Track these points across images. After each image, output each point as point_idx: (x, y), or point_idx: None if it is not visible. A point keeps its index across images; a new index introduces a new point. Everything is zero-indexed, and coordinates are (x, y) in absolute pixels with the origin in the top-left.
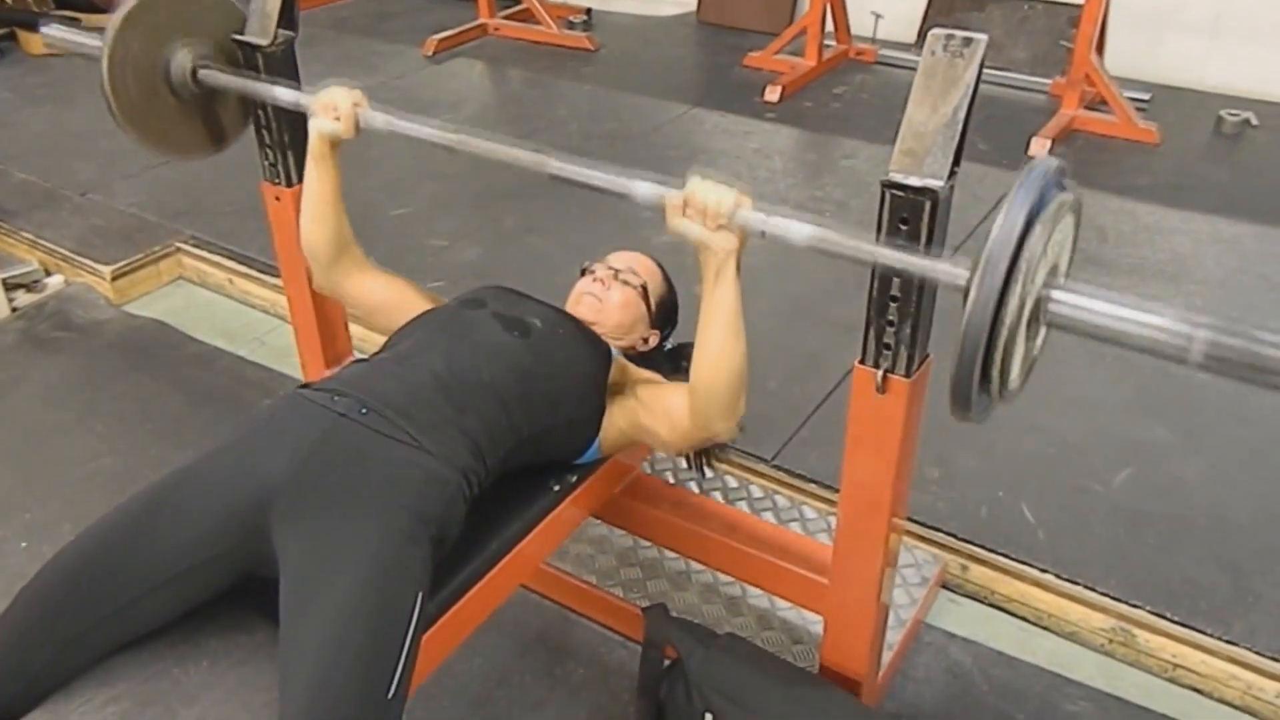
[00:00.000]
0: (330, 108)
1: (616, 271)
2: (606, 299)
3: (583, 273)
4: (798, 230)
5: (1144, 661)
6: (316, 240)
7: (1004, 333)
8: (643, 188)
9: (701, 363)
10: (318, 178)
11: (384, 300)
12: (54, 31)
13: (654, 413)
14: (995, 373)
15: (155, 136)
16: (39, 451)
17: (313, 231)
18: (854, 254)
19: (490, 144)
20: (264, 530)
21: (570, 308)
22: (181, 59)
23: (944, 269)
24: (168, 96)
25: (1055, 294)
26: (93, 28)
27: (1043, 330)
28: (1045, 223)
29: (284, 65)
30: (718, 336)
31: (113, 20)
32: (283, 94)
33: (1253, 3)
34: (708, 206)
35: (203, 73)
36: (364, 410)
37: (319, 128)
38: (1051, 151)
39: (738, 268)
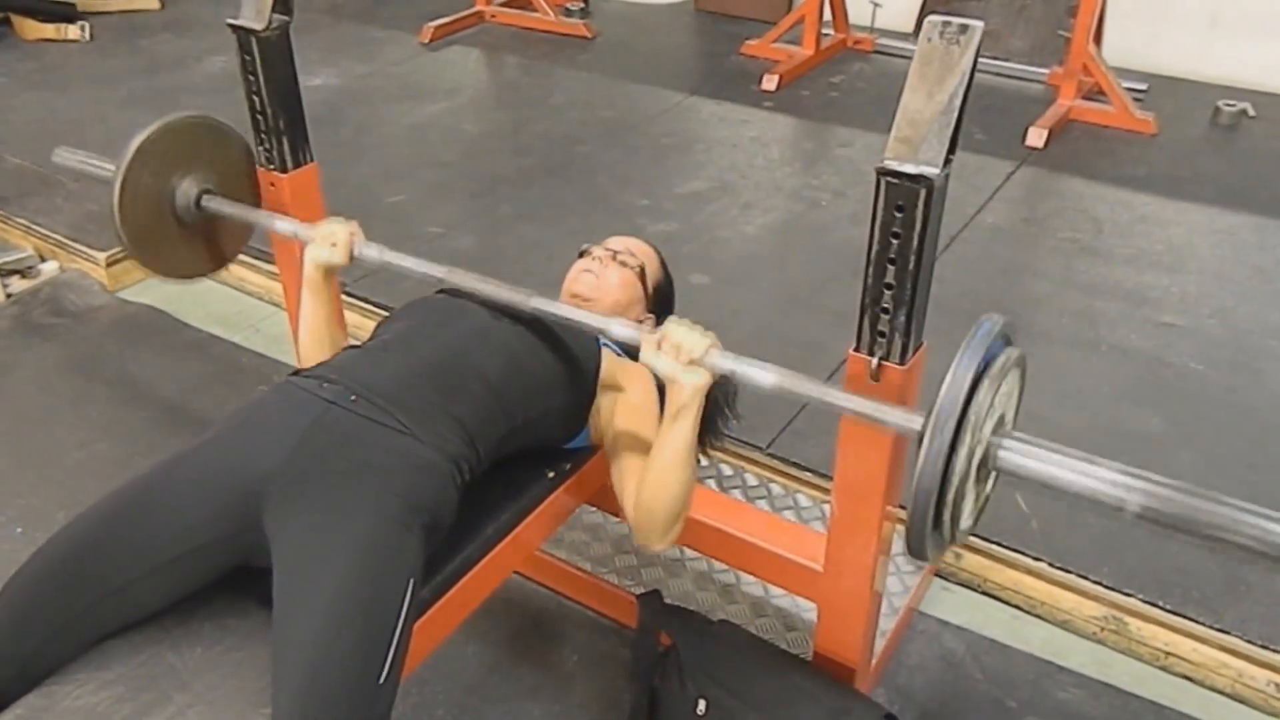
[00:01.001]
0: (328, 238)
1: (615, 253)
2: (604, 277)
3: (581, 254)
4: (763, 376)
5: (1136, 650)
6: (315, 359)
7: (954, 484)
8: (619, 327)
9: (645, 484)
10: (313, 305)
11: None
12: (65, 157)
13: (616, 477)
14: (947, 518)
15: (158, 260)
16: (33, 437)
17: (311, 352)
18: (819, 399)
19: (478, 280)
20: (256, 518)
21: (567, 287)
22: (187, 188)
23: (900, 417)
24: (172, 222)
25: (1004, 443)
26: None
27: (993, 476)
28: (992, 379)
29: (279, 51)
30: (665, 465)
31: (126, 150)
32: (282, 225)
33: None
34: (681, 345)
35: (206, 200)
36: (353, 397)
37: (315, 257)
38: (1048, 142)
39: (699, 411)
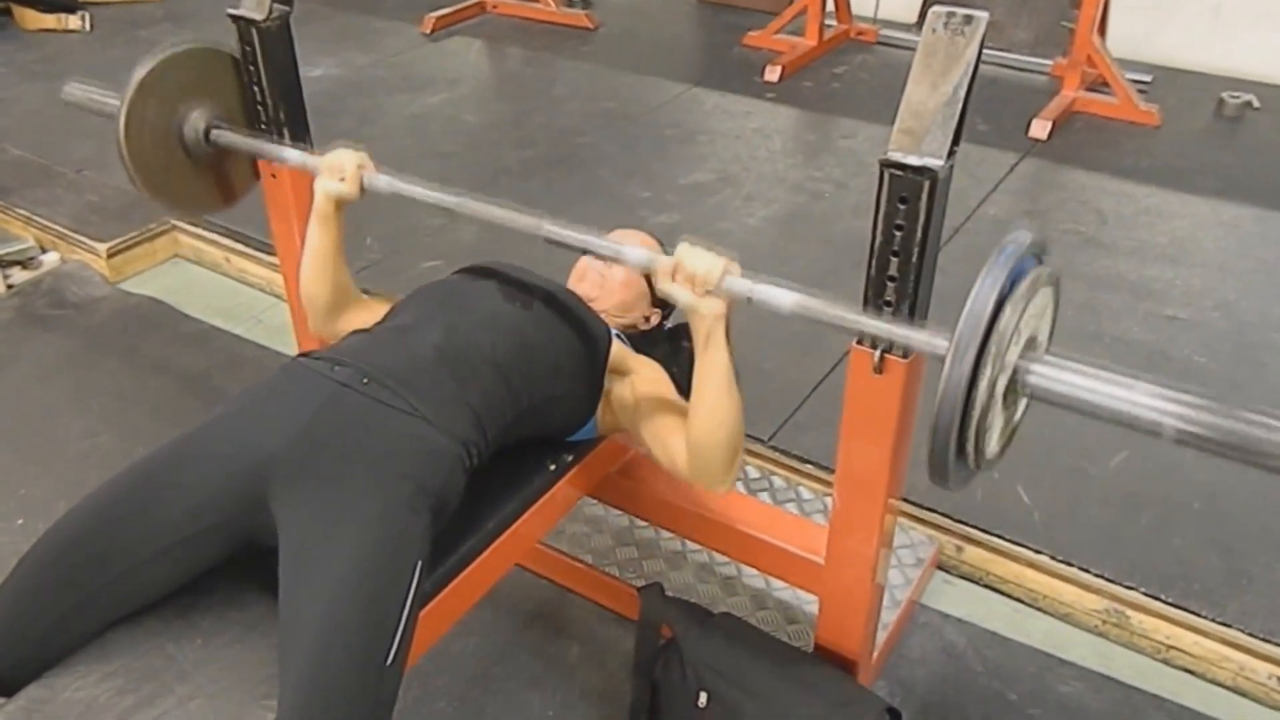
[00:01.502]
0: (337, 169)
1: None
2: (609, 276)
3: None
4: (782, 298)
5: (1137, 643)
6: (319, 296)
7: (978, 407)
8: (634, 253)
9: (696, 424)
10: (320, 237)
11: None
12: (74, 90)
13: (656, 442)
14: (971, 445)
15: (168, 194)
16: (34, 428)
17: (314, 287)
18: (837, 322)
19: (489, 207)
20: (263, 499)
21: (571, 285)
22: (195, 120)
23: (923, 339)
24: (181, 156)
25: (1033, 367)
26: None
27: (1023, 400)
28: (1019, 298)
29: (279, 41)
30: (711, 399)
31: (129, 82)
32: (291, 155)
33: None
34: (696, 272)
35: (215, 133)
36: (365, 380)
37: (325, 188)
38: (1052, 134)
39: (727, 331)
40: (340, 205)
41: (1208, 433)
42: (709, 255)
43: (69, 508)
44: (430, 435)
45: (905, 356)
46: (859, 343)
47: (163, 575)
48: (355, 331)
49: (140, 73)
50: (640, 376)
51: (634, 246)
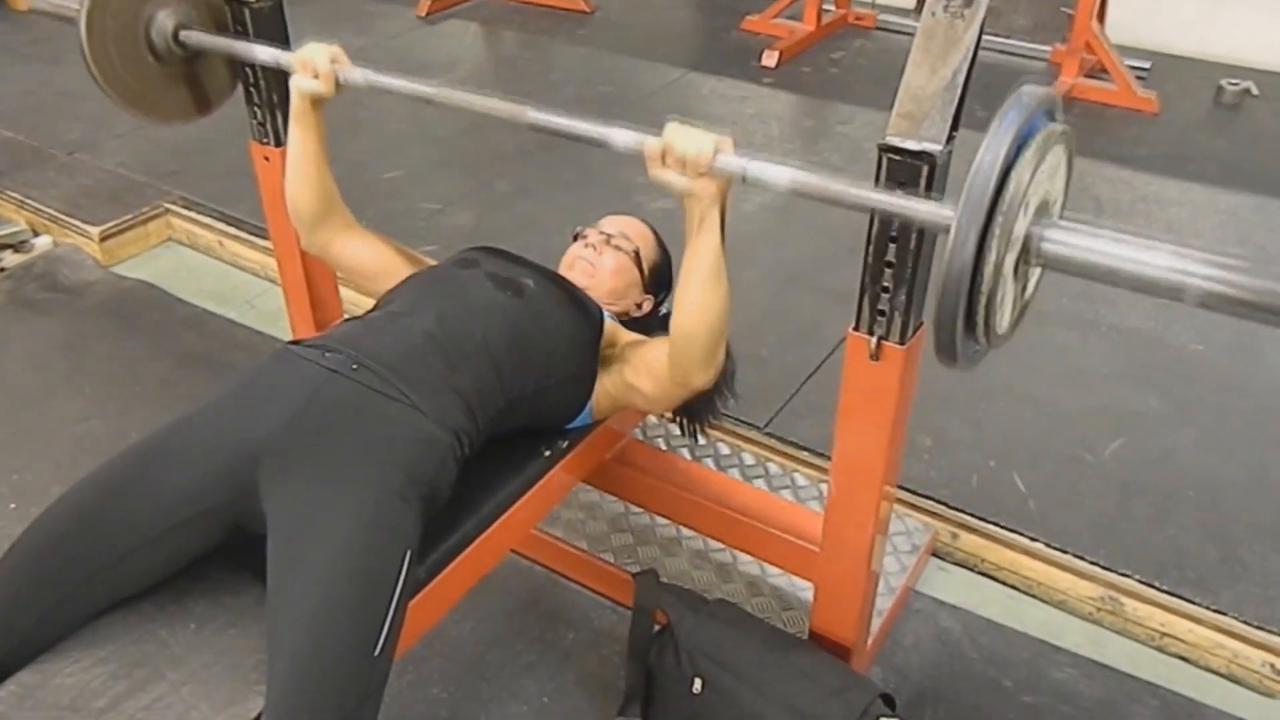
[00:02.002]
0: (309, 64)
1: (609, 236)
2: (599, 264)
3: (575, 237)
4: (778, 174)
5: (1132, 630)
6: (301, 201)
7: (988, 271)
8: (621, 135)
9: (681, 312)
10: (300, 137)
11: (373, 263)
12: None
13: (637, 368)
14: (981, 317)
15: (137, 100)
16: (27, 413)
17: (297, 192)
18: (835, 197)
19: (469, 96)
20: (253, 486)
21: (563, 273)
22: (163, 20)
23: (928, 209)
24: (149, 59)
25: (1047, 231)
26: None
27: (1036, 271)
28: (1032, 153)
29: (271, 24)
30: (698, 285)
31: None
32: (263, 53)
33: None
34: (687, 154)
35: (184, 34)
36: (355, 366)
37: (298, 85)
38: None
39: (723, 215)
40: (317, 103)
41: (1233, 291)
42: (699, 133)
43: (61, 492)
44: (421, 423)
45: (902, 341)
46: (856, 328)
47: (153, 562)
48: (347, 319)
49: None
50: (629, 338)
51: (620, 130)
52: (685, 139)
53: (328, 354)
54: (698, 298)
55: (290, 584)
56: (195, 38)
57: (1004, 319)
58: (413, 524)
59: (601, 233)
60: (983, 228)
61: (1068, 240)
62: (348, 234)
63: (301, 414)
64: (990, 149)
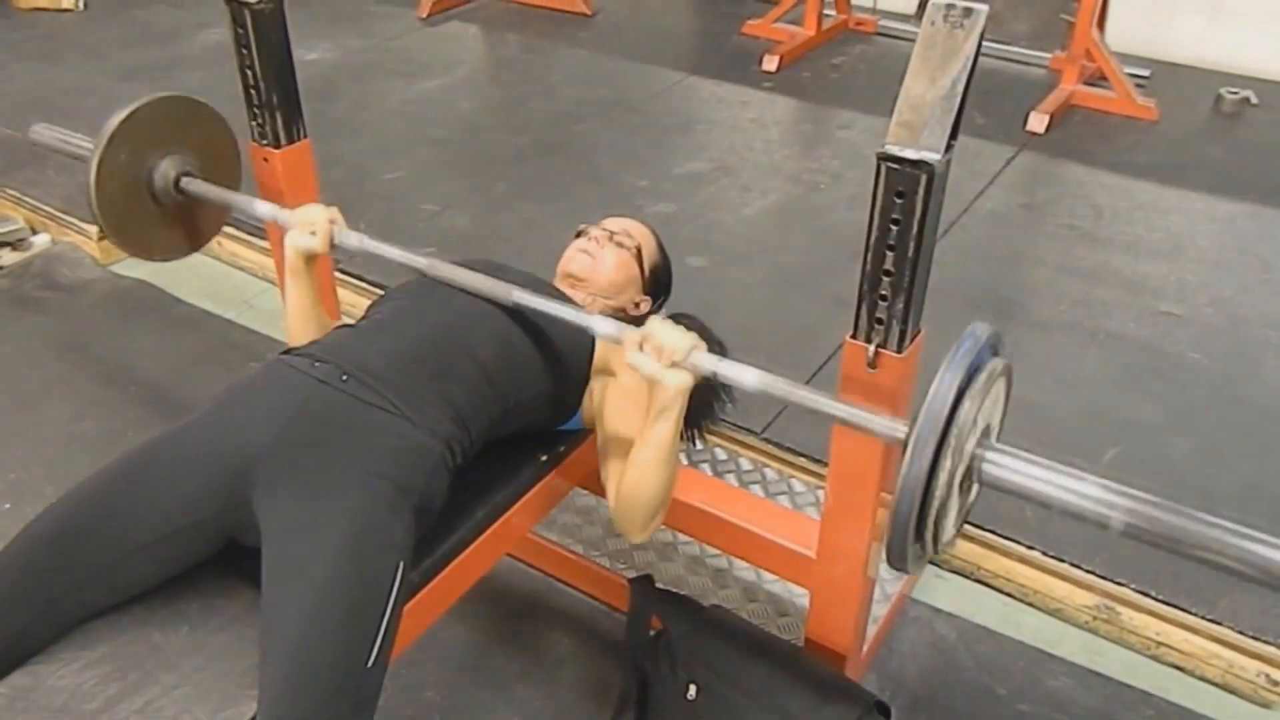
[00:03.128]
0: (307, 224)
1: (611, 233)
2: (600, 257)
3: (578, 234)
4: (747, 376)
5: (1127, 639)
6: (305, 339)
7: (936, 501)
8: (602, 324)
9: (626, 479)
10: (295, 290)
11: None
12: (43, 133)
13: (603, 461)
14: (929, 532)
15: (134, 241)
16: (22, 412)
17: (299, 334)
18: (802, 403)
19: (459, 271)
20: (245, 498)
21: (562, 267)
22: (165, 169)
23: (884, 424)
24: (149, 203)
25: (988, 455)
26: None
27: (976, 486)
28: (976, 393)
29: (272, 24)
30: (645, 463)
31: (104, 129)
32: (263, 209)
33: None
34: (664, 345)
35: (185, 182)
36: (344, 377)
37: (294, 243)
38: (1049, 127)
39: (681, 411)
40: (311, 260)
41: (1153, 528)
42: (678, 331)
43: (55, 493)
44: (410, 434)
45: (899, 349)
46: (853, 336)
47: (144, 572)
48: (340, 326)
49: (114, 121)
50: (615, 386)
51: (601, 318)
52: (664, 332)
53: (317, 364)
54: (643, 474)
55: (283, 596)
56: (196, 187)
57: (948, 530)
58: (404, 535)
59: (604, 229)
60: (938, 444)
61: (1007, 463)
62: None
63: (292, 425)
64: (946, 376)
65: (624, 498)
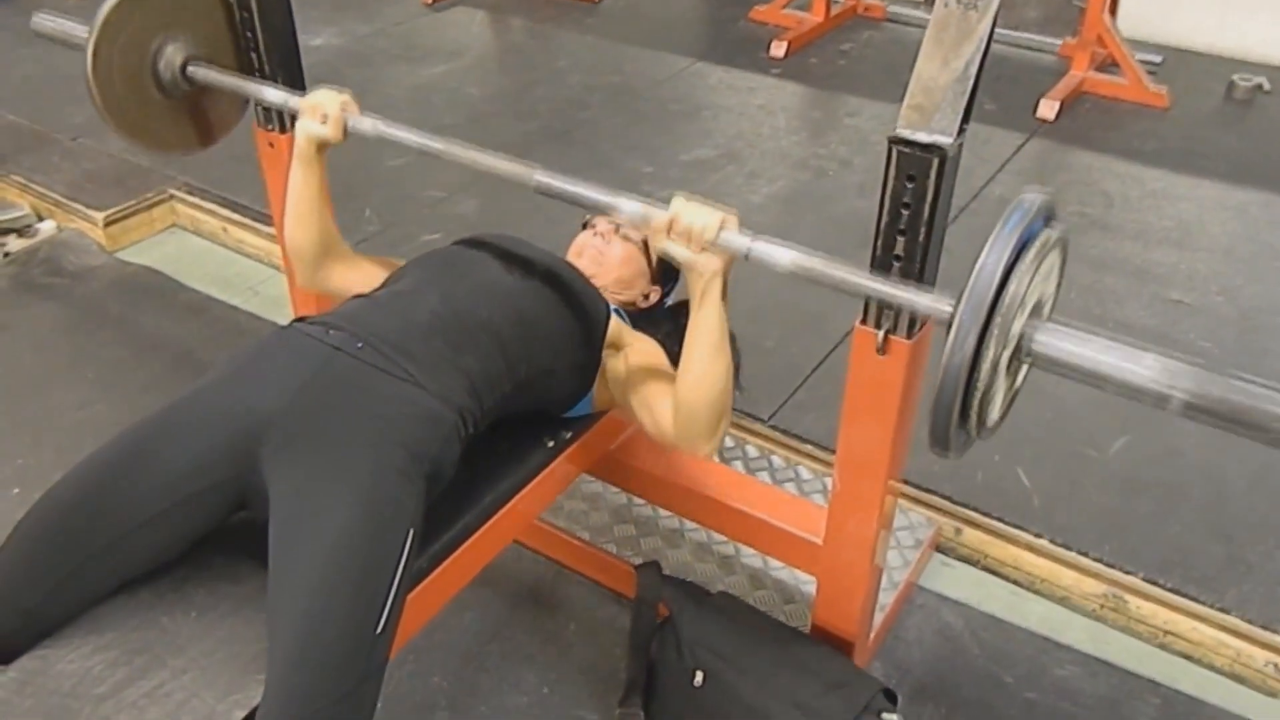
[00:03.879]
0: (318, 110)
1: (617, 226)
2: (607, 252)
3: (584, 226)
4: (781, 255)
5: (1135, 628)
6: (301, 241)
7: (983, 374)
8: (629, 205)
9: (684, 384)
10: (303, 180)
11: (376, 277)
12: (43, 22)
13: (643, 407)
14: (974, 412)
15: (140, 132)
16: (30, 398)
17: (297, 233)
18: (838, 283)
19: (477, 154)
20: (255, 462)
21: (570, 260)
22: (170, 54)
23: (928, 302)
24: (155, 93)
25: (1038, 333)
26: None
27: (1025, 365)
28: (1029, 263)
29: (278, 10)
30: (701, 359)
31: (99, 12)
32: (272, 94)
33: None
34: (692, 228)
35: (192, 68)
36: (360, 344)
37: (306, 130)
38: (1059, 114)
39: (724, 288)
40: (322, 148)
41: (1216, 405)
42: (706, 209)
43: (62, 476)
44: (424, 401)
45: (909, 335)
46: (863, 322)
47: (156, 540)
48: (355, 296)
49: (109, 5)
50: (634, 349)
51: (627, 199)
52: (691, 213)
53: (332, 331)
54: (700, 371)
55: (291, 560)
56: (203, 73)
57: (994, 413)
58: (415, 502)
59: (610, 221)
60: (983, 327)
61: (1059, 341)
62: (345, 267)
63: (305, 390)
64: (993, 252)
65: (685, 407)
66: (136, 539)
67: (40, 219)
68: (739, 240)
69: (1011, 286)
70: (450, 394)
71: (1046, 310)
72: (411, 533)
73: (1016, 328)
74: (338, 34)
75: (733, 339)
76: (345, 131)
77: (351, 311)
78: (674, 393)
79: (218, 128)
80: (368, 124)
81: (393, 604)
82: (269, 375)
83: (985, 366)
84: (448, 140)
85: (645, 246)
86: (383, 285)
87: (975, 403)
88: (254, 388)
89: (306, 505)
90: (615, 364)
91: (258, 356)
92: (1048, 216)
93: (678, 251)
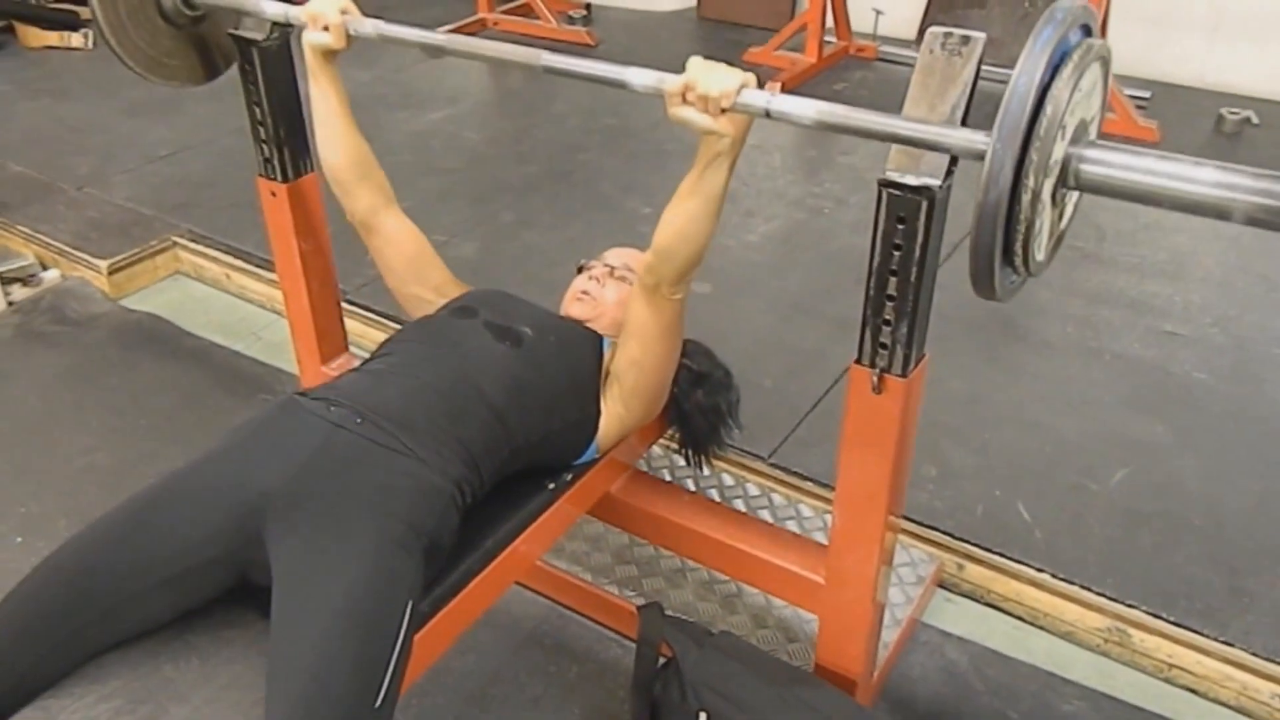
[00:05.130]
0: (319, 19)
1: (612, 269)
2: (602, 297)
3: (579, 270)
4: (804, 108)
5: (1139, 661)
6: (335, 162)
7: (1026, 199)
8: (639, 75)
9: (668, 228)
10: (319, 94)
11: (411, 247)
12: None
13: (620, 345)
14: (1019, 247)
15: (148, 63)
16: (34, 445)
17: (330, 151)
18: (863, 127)
19: (480, 41)
20: (258, 536)
21: (566, 306)
22: None
23: (960, 136)
24: (159, 21)
25: (1086, 152)
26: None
27: (1073, 196)
28: (1069, 73)
29: (279, 61)
30: (694, 207)
31: None
32: (271, 8)
33: (1253, 1)
34: (710, 91)
35: None
36: (360, 420)
37: (309, 40)
38: None
39: (736, 158)
40: (330, 57)
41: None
42: (723, 69)
43: (67, 526)
44: (422, 474)
45: (904, 373)
46: (858, 361)
47: (156, 610)
48: (350, 371)
49: None
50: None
51: (638, 70)
52: (709, 76)
53: (333, 408)
54: (686, 221)
55: (290, 635)
56: None
57: (1042, 248)
58: (414, 574)
59: (605, 265)
60: (1019, 154)
61: (1108, 160)
62: (391, 208)
63: (309, 466)
64: (1025, 70)
65: (663, 249)
66: (135, 608)
67: (45, 268)
68: (759, 98)
69: (1049, 106)
70: (448, 465)
71: (1093, 132)
72: (410, 605)
73: (1058, 151)
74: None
75: (730, 377)
76: (348, 37)
77: (351, 387)
78: (651, 246)
79: (222, 61)
80: (369, 26)
81: (392, 677)
82: (272, 450)
83: (1026, 196)
84: (450, 37)
85: None
86: (376, 354)
87: (1019, 238)
88: (257, 463)
89: (305, 579)
90: (616, 364)
91: (261, 430)
92: (1085, 26)
93: (694, 116)
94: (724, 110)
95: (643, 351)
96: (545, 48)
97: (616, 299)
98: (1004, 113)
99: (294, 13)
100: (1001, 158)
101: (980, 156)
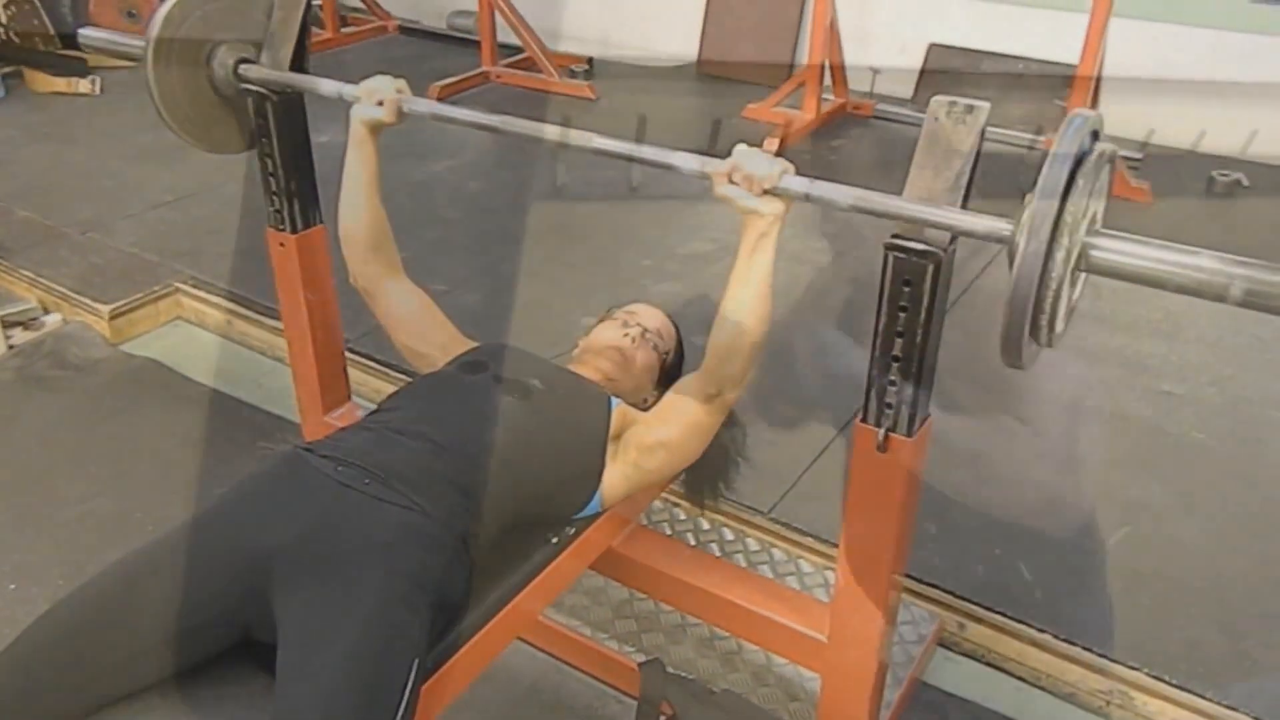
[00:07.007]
0: (374, 95)
1: (645, 330)
2: (633, 359)
3: (608, 314)
4: (840, 194)
5: None
6: (353, 228)
7: (1052, 283)
8: (686, 159)
9: (727, 326)
10: (357, 163)
11: (417, 312)
12: (92, 34)
13: (657, 420)
14: (1045, 321)
15: (194, 129)
16: (31, 491)
17: (349, 219)
18: (896, 213)
19: (534, 124)
20: (264, 594)
21: (590, 358)
22: (224, 55)
23: (986, 224)
24: (209, 93)
25: (1097, 241)
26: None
27: (1082, 277)
28: (1087, 176)
29: (292, 114)
30: (751, 299)
31: (155, 17)
32: (326, 86)
33: (1244, 64)
34: (755, 174)
35: (244, 68)
36: (367, 480)
37: (360, 114)
38: None
39: (778, 238)
40: (375, 130)
41: (1275, 289)
42: (766, 156)
43: (63, 574)
44: (428, 527)
45: (909, 432)
46: (863, 419)
47: (158, 669)
48: (350, 427)
49: (166, 8)
50: (639, 417)
51: (684, 154)
52: (754, 160)
53: (340, 468)
54: (749, 311)
55: (295, 693)
56: (255, 72)
57: (1059, 321)
58: (420, 632)
59: (640, 326)
60: (1046, 251)
61: (1119, 249)
62: (396, 275)
63: (316, 526)
64: (1050, 177)
65: (724, 348)
66: (137, 666)
67: (46, 312)
68: (799, 183)
69: (1073, 197)
70: (453, 519)
71: (1099, 222)
72: (416, 664)
73: (1079, 236)
74: (342, 131)
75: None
76: (400, 113)
77: (359, 446)
78: (709, 348)
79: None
80: (423, 105)
81: None
82: (279, 507)
83: (1054, 275)
84: (502, 117)
85: (665, 359)
86: (381, 408)
87: (1045, 312)
88: (263, 522)
89: (311, 637)
90: (622, 440)
91: (267, 488)
92: (1095, 133)
93: (739, 195)
94: (765, 191)
95: (681, 442)
96: (547, 101)
97: (645, 364)
98: (1036, 204)
99: (349, 90)
100: (1032, 257)
101: (1003, 240)
